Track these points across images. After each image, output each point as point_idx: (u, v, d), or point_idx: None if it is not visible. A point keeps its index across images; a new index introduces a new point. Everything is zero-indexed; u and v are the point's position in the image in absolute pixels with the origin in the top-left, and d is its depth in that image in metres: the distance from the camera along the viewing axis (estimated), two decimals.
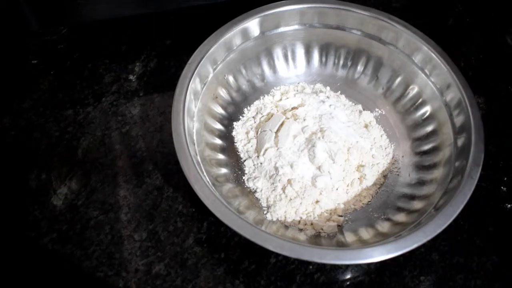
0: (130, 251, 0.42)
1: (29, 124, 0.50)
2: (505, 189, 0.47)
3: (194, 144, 0.42)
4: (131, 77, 0.54)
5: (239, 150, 0.48)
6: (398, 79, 0.50)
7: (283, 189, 0.43)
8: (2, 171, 0.47)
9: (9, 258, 0.42)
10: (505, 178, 0.47)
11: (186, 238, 0.43)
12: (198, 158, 0.41)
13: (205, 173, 0.40)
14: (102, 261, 0.42)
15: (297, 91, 0.51)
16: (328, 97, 0.51)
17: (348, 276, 0.41)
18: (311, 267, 0.42)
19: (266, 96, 0.52)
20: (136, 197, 0.45)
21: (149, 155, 0.48)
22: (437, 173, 0.44)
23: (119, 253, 0.42)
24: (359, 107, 0.51)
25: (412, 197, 0.43)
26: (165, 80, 0.54)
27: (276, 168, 0.44)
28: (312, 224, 0.42)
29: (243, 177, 0.46)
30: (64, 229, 0.43)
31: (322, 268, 0.42)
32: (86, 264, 0.41)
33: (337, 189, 0.44)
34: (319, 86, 0.52)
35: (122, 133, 0.50)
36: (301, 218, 0.42)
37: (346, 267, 0.42)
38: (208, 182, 0.38)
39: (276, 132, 0.46)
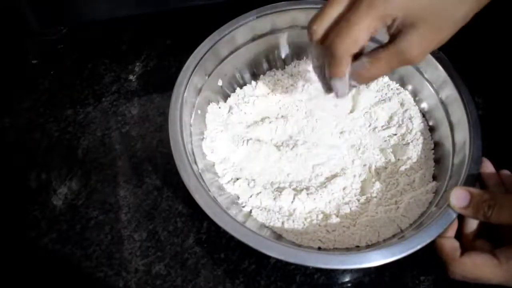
0: (130, 251, 0.42)
1: (29, 124, 0.50)
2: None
3: (193, 153, 0.41)
4: (131, 77, 0.54)
5: None
6: (394, 79, 0.50)
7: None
8: (2, 171, 0.47)
9: (9, 258, 0.42)
10: None
11: (186, 238, 0.43)
12: (198, 166, 0.41)
13: (205, 182, 0.39)
14: (102, 261, 0.42)
15: None
16: None
17: (348, 276, 0.41)
18: (311, 267, 0.42)
19: None
20: (136, 197, 0.45)
21: (149, 155, 0.48)
22: (436, 171, 0.44)
23: (119, 253, 0.42)
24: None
25: None
26: (165, 80, 0.54)
27: None
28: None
29: None
30: (64, 229, 0.43)
31: (322, 268, 0.42)
32: (86, 264, 0.41)
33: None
34: None
35: (122, 133, 0.50)
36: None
37: None
38: (208, 190, 0.38)
39: None
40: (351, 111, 0.49)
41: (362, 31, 0.33)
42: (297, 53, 0.52)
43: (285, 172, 0.44)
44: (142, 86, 0.53)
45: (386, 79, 0.50)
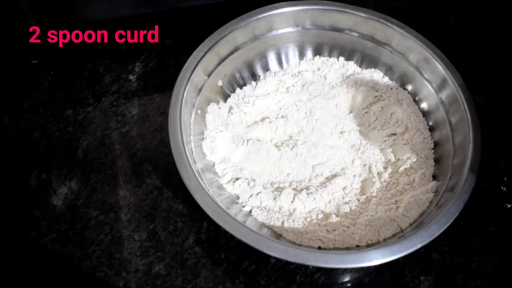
0: (130, 251, 0.42)
1: (29, 124, 0.50)
2: (505, 189, 0.47)
3: (192, 153, 0.41)
4: (131, 77, 0.54)
5: None
6: (393, 79, 0.50)
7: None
8: (2, 171, 0.47)
9: (9, 258, 0.42)
10: (505, 178, 0.47)
11: (186, 238, 0.43)
12: (198, 166, 0.41)
13: (205, 182, 0.39)
14: (102, 261, 0.42)
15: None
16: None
17: (348, 276, 0.41)
18: (311, 267, 0.42)
19: None
20: (136, 197, 0.45)
21: (149, 155, 0.48)
22: (436, 170, 0.44)
23: (119, 253, 0.42)
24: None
25: None
26: (165, 80, 0.54)
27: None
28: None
29: None
30: (64, 229, 0.43)
31: (322, 268, 0.42)
32: (86, 264, 0.41)
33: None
34: None
35: (122, 133, 0.50)
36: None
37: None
38: (208, 190, 0.38)
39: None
40: (351, 111, 0.49)
41: None
42: (297, 53, 0.52)
43: (285, 172, 0.44)
44: (142, 86, 0.53)
45: (386, 79, 0.50)
